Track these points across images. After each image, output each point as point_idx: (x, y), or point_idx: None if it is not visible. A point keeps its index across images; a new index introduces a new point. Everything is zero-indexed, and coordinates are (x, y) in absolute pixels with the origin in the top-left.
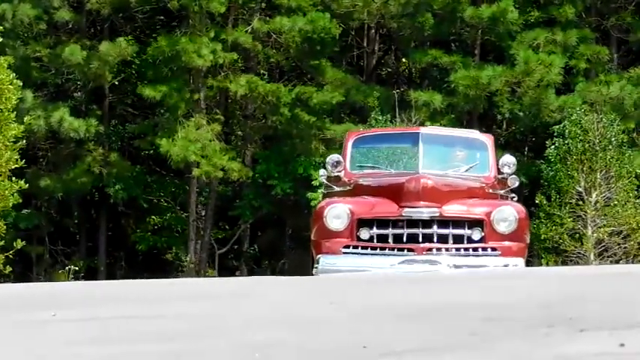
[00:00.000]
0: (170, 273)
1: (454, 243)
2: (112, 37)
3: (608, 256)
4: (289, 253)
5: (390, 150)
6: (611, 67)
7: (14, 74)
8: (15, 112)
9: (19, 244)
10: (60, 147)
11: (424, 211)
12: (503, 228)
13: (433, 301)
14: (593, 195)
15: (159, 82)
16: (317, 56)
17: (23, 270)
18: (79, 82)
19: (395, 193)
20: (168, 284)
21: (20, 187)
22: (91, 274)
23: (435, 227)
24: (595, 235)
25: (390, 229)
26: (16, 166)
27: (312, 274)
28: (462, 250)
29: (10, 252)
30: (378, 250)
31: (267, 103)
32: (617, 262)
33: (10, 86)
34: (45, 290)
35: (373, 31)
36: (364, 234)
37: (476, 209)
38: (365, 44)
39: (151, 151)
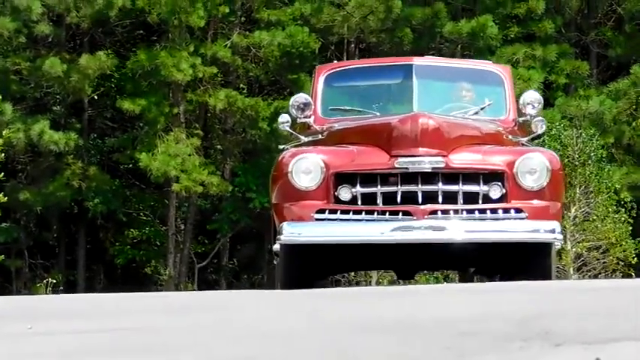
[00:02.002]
0: (149, 287)
1: (465, 203)
2: (91, 51)
3: (587, 271)
4: (268, 267)
5: (373, 88)
6: (590, 82)
7: None
8: None
9: None
10: (39, 160)
11: (425, 160)
12: (530, 182)
13: (407, 315)
14: (572, 210)
15: (138, 96)
16: (296, 70)
17: (2, 283)
18: (58, 96)
19: (384, 138)
20: (145, 297)
21: None
22: (70, 288)
23: (439, 182)
24: (574, 249)
25: (379, 186)
26: None
27: (273, 250)
28: (476, 212)
29: None
30: (363, 215)
31: (246, 117)
32: (595, 276)
33: None
34: (22, 303)
35: (353, 45)
36: (344, 194)
37: (494, 158)
38: (344, 59)
39: (130, 165)
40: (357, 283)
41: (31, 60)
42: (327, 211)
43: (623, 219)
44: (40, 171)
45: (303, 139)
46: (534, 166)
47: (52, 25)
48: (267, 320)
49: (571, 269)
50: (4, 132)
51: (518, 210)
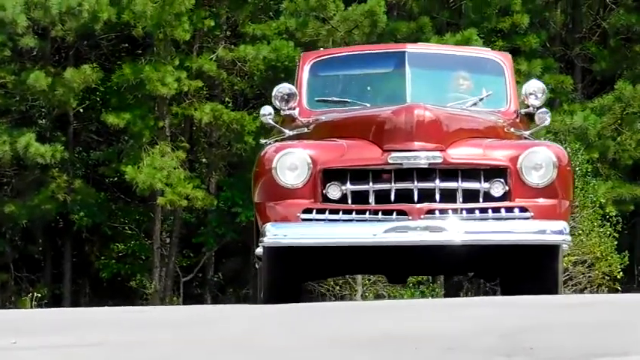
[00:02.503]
0: (135, 301)
1: (465, 202)
2: (76, 64)
3: (572, 285)
4: (254, 280)
5: (364, 77)
6: (575, 97)
7: None
8: None
9: None
10: (25, 173)
11: (421, 155)
12: (536, 178)
13: (393, 330)
14: None
15: (123, 110)
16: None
17: None
18: (43, 109)
19: (377, 131)
20: (129, 312)
21: None
22: (55, 302)
23: (436, 179)
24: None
25: (371, 183)
26: None
27: (255, 253)
28: (477, 211)
29: None
30: (353, 215)
31: (232, 130)
32: (581, 291)
33: None
34: (7, 317)
35: None
36: (333, 192)
37: (496, 152)
38: None
39: (116, 178)
40: (342, 297)
41: (16, 73)
42: (314, 211)
43: (608, 233)
44: (26, 184)
45: (288, 132)
46: (540, 161)
47: (38, 39)
48: (249, 334)
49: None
50: None
51: (522, 209)
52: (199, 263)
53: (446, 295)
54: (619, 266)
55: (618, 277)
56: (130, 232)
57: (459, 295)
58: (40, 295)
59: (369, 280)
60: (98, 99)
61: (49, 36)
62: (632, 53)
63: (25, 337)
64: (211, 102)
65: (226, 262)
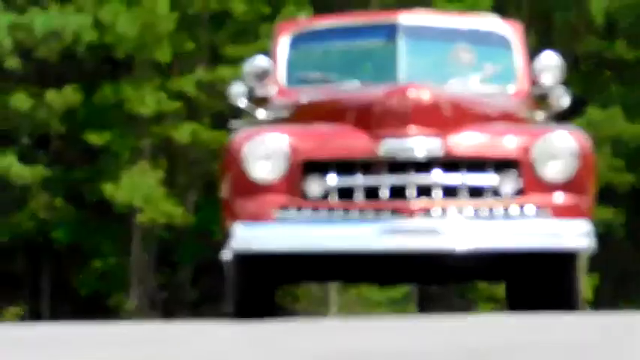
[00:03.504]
0: (113, 317)
1: (471, 198)
2: (59, 84)
3: None
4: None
5: (349, 51)
6: None
7: None
8: None
9: None
10: (5, 192)
11: (418, 144)
12: (552, 172)
13: (362, 347)
14: None
15: (104, 129)
16: None
17: None
18: (25, 129)
19: (366, 115)
20: (103, 328)
21: None
22: (35, 318)
23: (437, 173)
24: None
25: (360, 177)
26: None
27: (222, 258)
28: (485, 210)
29: None
30: (339, 213)
31: (211, 150)
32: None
33: None
34: None
35: None
36: (315, 187)
37: (506, 141)
38: None
39: (95, 197)
40: (316, 315)
41: None
42: (292, 209)
43: None
44: (6, 202)
45: (262, 115)
46: (558, 151)
47: (21, 60)
48: (224, 353)
49: None
50: None
51: (538, 207)
52: (177, 281)
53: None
54: (589, 286)
55: (589, 297)
56: (108, 249)
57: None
58: (18, 311)
59: (342, 298)
60: (79, 119)
61: (32, 57)
62: (603, 78)
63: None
64: (190, 122)
65: (203, 280)
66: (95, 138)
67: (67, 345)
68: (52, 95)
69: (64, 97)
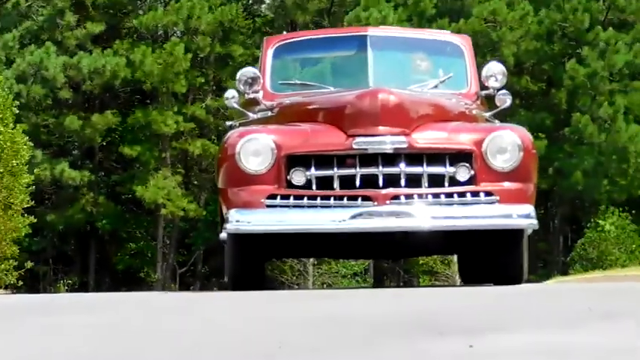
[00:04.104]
0: (142, 287)
1: (431, 186)
2: (101, 110)
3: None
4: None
5: (326, 60)
6: None
7: (27, 137)
8: (27, 166)
9: (29, 264)
10: (61, 191)
11: (386, 140)
12: (500, 163)
13: (334, 313)
14: None
15: (135, 144)
16: None
17: (32, 284)
18: (76, 143)
19: (341, 116)
20: (136, 297)
21: (30, 222)
22: (83, 287)
23: (402, 164)
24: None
25: (336, 168)
26: (27, 205)
27: (220, 238)
28: (443, 196)
29: (22, 270)
30: (318, 201)
31: None
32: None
33: (24, 146)
34: (49, 299)
35: None
36: (297, 177)
37: (461, 136)
38: None
39: (130, 195)
40: (299, 285)
41: (55, 117)
42: (278, 197)
43: None
44: (62, 199)
45: (252, 116)
46: (505, 145)
47: (72, 91)
48: (220, 317)
49: (457, 276)
50: (35, 170)
51: (488, 193)
52: (191, 259)
53: (374, 285)
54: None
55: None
56: (139, 235)
57: (384, 284)
58: (70, 282)
59: (319, 272)
60: (117, 136)
61: (80, 89)
62: (513, 105)
63: (57, 316)
64: (201, 139)
65: (212, 259)
66: (129, 150)
67: (101, 308)
68: (96, 118)
69: (105, 119)
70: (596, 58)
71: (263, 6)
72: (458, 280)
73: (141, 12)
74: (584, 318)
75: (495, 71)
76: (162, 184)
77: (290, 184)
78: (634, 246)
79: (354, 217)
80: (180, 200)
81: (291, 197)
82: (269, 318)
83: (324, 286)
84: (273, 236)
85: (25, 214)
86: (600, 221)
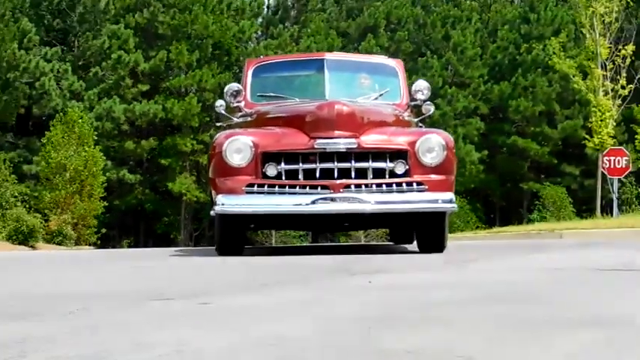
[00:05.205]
0: (172, 244)
1: (375, 178)
2: (147, 137)
3: (371, 237)
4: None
5: (293, 78)
6: None
7: (102, 154)
8: (102, 171)
9: (103, 230)
10: (123, 186)
11: (340, 141)
12: (429, 159)
13: (289, 262)
14: None
15: (167, 157)
16: None
17: (104, 243)
18: (131, 157)
19: (305, 122)
20: (170, 252)
21: (104, 205)
22: (137, 246)
23: (352, 160)
24: None
25: (301, 163)
26: (102, 195)
27: (210, 214)
28: (384, 185)
29: (99, 234)
30: (287, 189)
31: None
32: (379, 240)
33: (100, 159)
34: (121, 252)
35: None
36: (271, 170)
37: (398, 138)
38: None
39: (164, 189)
40: (264, 243)
41: (119, 141)
42: (255, 185)
43: None
44: (123, 191)
45: (236, 120)
46: (432, 145)
47: (129, 126)
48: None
49: (362, 235)
50: (107, 174)
51: (419, 183)
52: (201, 228)
53: (312, 242)
54: None
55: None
56: (169, 212)
57: (318, 242)
58: (129, 242)
59: (279, 234)
60: (156, 152)
61: (134, 124)
62: None
63: (132, 261)
64: (207, 154)
65: (214, 228)
66: (163, 161)
67: (150, 256)
68: (143, 142)
69: (149, 143)
70: (445, 104)
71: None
72: (363, 240)
73: (171, 78)
74: None
75: (422, 87)
76: (184, 181)
77: (265, 175)
78: (469, 218)
79: (314, 202)
80: (194, 191)
81: (266, 186)
82: (245, 263)
83: (281, 243)
84: (251, 215)
85: (101, 200)
86: None
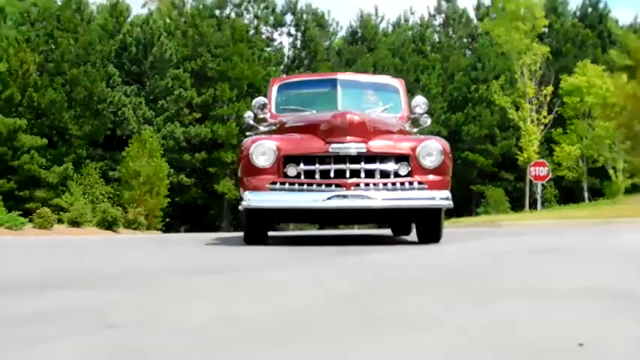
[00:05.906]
0: (217, 231)
1: (382, 178)
2: (199, 151)
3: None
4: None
5: (310, 94)
6: None
7: (167, 164)
8: (166, 175)
9: (167, 220)
10: (181, 187)
11: (351, 146)
12: (428, 162)
13: (315, 242)
14: None
15: (215, 166)
16: None
17: (167, 230)
18: (188, 165)
19: (321, 129)
20: (211, 237)
21: (168, 201)
22: (190, 231)
23: (362, 162)
24: None
25: (317, 165)
26: (166, 193)
27: (239, 208)
28: (390, 185)
29: (163, 223)
30: (305, 187)
31: None
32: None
33: (165, 168)
34: (185, 236)
35: None
36: (291, 170)
37: (401, 144)
38: None
39: (212, 189)
40: (283, 229)
41: (178, 154)
42: (278, 184)
43: None
44: (182, 191)
45: (262, 129)
46: (431, 150)
47: (187, 143)
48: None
49: (356, 227)
50: (170, 178)
51: (420, 183)
52: (238, 217)
53: (319, 228)
54: None
55: None
56: (216, 206)
57: (324, 228)
58: (185, 228)
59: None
60: (207, 162)
61: (190, 142)
62: None
63: (195, 245)
64: None
65: None
66: (212, 169)
67: (204, 240)
68: (197, 155)
69: (201, 155)
70: None
71: None
72: (356, 228)
73: (217, 108)
74: None
75: (420, 102)
76: (226, 184)
77: (286, 175)
78: None
79: (329, 198)
80: (233, 191)
81: (287, 184)
82: (268, 248)
83: (298, 229)
84: (273, 210)
85: (165, 198)
86: None
